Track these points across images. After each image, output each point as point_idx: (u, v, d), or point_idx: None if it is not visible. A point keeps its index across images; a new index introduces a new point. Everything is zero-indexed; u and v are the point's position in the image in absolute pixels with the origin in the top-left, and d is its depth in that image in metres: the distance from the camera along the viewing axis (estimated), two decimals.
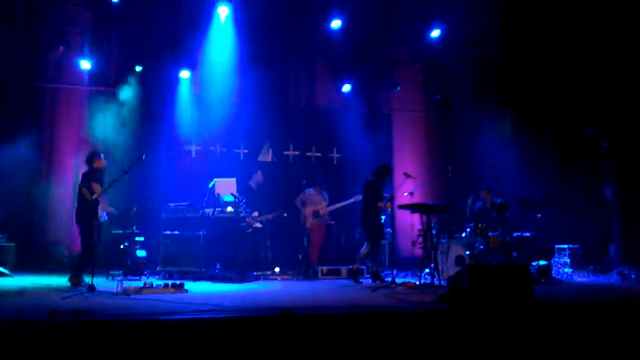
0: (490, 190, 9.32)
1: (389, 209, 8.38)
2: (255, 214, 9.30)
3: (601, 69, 10.26)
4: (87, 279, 6.67)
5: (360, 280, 8.31)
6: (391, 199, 8.21)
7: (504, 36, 10.68)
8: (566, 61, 10.55)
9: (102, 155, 7.52)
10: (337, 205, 9.87)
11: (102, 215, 7.69)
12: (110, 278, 7.96)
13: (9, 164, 9.70)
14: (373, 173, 8.55)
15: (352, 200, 9.60)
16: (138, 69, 10.38)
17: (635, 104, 10.07)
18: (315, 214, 9.71)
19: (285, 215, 9.61)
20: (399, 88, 11.88)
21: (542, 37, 10.45)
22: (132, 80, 10.52)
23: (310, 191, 9.82)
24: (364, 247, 8.34)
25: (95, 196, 6.95)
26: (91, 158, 7.44)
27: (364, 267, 8.72)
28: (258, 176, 9.89)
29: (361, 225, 8.70)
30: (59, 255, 9.95)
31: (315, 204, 9.78)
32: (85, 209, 7.09)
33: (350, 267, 8.79)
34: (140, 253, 8.75)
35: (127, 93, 10.56)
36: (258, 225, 9.27)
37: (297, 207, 9.74)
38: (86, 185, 7.19)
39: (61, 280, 7.34)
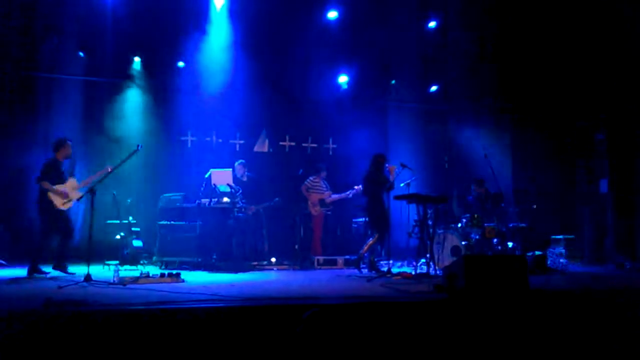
0: (483, 182, 9.32)
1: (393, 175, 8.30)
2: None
3: (597, 63, 10.26)
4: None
5: (363, 267, 8.31)
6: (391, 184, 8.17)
7: (501, 29, 10.67)
8: (563, 55, 10.53)
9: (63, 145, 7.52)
10: (341, 195, 9.87)
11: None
12: (107, 268, 7.96)
13: (3, 154, 9.65)
14: (370, 164, 8.53)
15: (354, 190, 9.59)
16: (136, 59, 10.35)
17: (631, 97, 10.08)
18: (322, 202, 9.71)
19: (277, 199, 9.53)
20: (394, 81, 11.90)
21: (539, 31, 10.42)
22: (127, 70, 10.48)
23: (313, 178, 9.81)
24: (372, 237, 8.34)
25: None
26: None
27: (367, 255, 8.63)
28: (237, 168, 9.62)
29: (367, 217, 8.69)
30: (54, 245, 9.91)
31: (321, 192, 9.77)
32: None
33: (347, 257, 8.82)
34: (137, 243, 8.73)
35: (123, 84, 10.52)
36: (252, 208, 9.23)
37: (304, 195, 9.73)
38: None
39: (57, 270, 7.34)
